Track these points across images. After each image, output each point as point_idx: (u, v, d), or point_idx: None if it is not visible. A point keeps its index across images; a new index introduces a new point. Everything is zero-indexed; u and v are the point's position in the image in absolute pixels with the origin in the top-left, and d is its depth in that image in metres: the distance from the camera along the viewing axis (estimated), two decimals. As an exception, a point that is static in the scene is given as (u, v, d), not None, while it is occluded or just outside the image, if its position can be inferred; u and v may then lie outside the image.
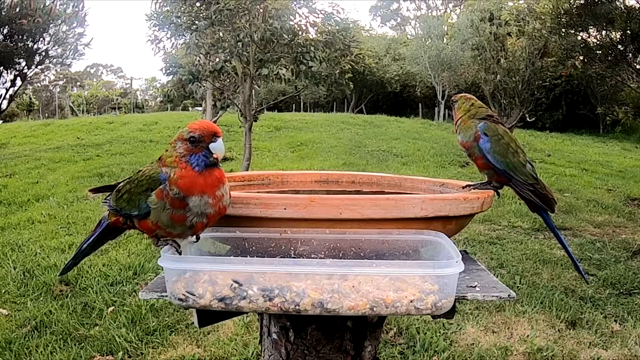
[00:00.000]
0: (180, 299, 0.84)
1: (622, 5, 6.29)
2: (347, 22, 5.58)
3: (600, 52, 6.98)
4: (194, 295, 0.83)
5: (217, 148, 0.85)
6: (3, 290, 2.94)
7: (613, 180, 7.45)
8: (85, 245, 1.02)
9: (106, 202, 0.98)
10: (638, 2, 6.27)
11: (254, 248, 0.98)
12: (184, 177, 0.84)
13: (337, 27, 5.47)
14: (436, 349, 2.33)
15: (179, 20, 5.48)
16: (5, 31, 7.86)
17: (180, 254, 0.91)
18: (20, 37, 8.06)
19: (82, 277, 3.11)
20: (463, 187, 1.22)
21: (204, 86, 6.99)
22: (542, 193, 1.16)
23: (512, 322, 2.62)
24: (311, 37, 5.56)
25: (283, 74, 5.89)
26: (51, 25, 8.35)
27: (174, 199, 0.84)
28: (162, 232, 0.90)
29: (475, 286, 0.96)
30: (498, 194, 1.19)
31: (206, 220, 0.87)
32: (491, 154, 1.14)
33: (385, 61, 23.54)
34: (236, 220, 0.97)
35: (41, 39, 8.40)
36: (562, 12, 7.02)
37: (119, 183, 0.97)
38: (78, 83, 38.10)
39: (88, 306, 2.74)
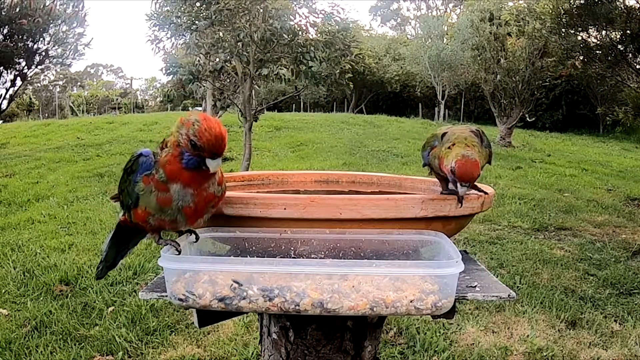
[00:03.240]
0: (180, 299, 0.84)
1: (622, 5, 6.29)
2: (347, 22, 5.58)
3: (600, 52, 6.99)
4: (194, 295, 0.83)
5: (212, 165, 0.82)
6: (3, 290, 2.94)
7: (613, 180, 7.46)
8: (105, 247, 1.02)
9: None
10: (638, 2, 6.27)
11: (254, 248, 0.98)
12: (172, 165, 0.84)
13: (337, 27, 5.47)
14: (436, 349, 2.33)
15: (179, 20, 5.48)
16: (5, 31, 7.86)
17: (180, 253, 0.91)
18: (20, 37, 8.06)
19: (82, 277, 3.11)
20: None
21: (204, 86, 6.99)
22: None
23: (512, 322, 2.62)
24: (311, 37, 5.57)
25: (283, 74, 5.89)
26: (51, 25, 8.35)
27: (159, 181, 0.84)
28: (154, 221, 0.88)
29: (475, 286, 0.96)
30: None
31: (193, 205, 0.86)
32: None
33: (385, 61, 23.53)
34: (236, 220, 0.97)
35: (41, 39, 8.40)
36: (562, 12, 7.03)
37: None
38: (78, 83, 38.10)
39: (88, 306, 2.74)
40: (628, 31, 6.18)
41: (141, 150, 0.88)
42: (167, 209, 0.86)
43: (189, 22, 5.35)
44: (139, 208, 0.88)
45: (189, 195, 0.85)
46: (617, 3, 6.34)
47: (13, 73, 8.48)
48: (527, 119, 10.91)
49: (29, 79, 9.23)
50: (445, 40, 21.26)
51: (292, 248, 0.96)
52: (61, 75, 33.88)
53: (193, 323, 2.17)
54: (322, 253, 0.95)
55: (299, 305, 0.80)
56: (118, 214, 1.00)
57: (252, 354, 2.26)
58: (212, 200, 0.89)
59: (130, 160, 0.89)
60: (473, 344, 2.40)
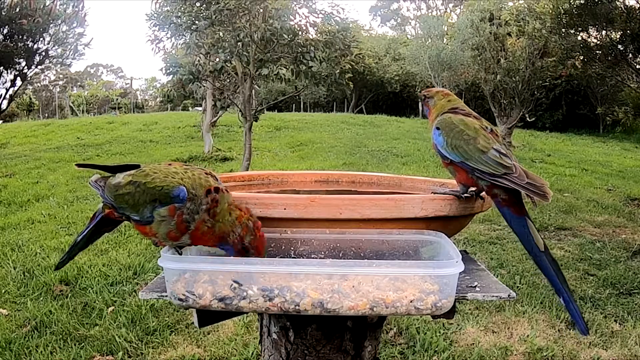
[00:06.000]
0: (180, 299, 0.84)
1: (622, 5, 6.30)
2: (347, 22, 5.58)
3: (600, 52, 6.99)
4: (194, 295, 0.83)
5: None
6: (3, 290, 2.94)
7: (613, 180, 7.45)
8: (80, 239, 1.00)
9: (97, 188, 0.94)
10: (638, 2, 6.27)
11: (254, 248, 0.98)
12: (206, 241, 0.87)
13: (337, 27, 5.47)
14: (436, 349, 2.33)
15: (179, 20, 5.49)
16: (5, 31, 7.86)
17: (180, 254, 0.91)
18: (20, 37, 8.07)
19: (82, 277, 3.11)
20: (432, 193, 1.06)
21: (204, 86, 7.00)
22: (521, 184, 0.91)
23: (512, 322, 2.62)
24: (311, 37, 5.57)
25: (283, 74, 5.89)
26: (51, 25, 8.36)
27: (182, 223, 0.85)
28: (156, 240, 0.90)
29: (475, 286, 0.96)
30: (460, 197, 1.00)
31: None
32: (444, 146, 0.99)
33: (385, 61, 23.51)
34: (236, 220, 0.97)
35: (41, 39, 8.41)
36: (562, 12, 7.03)
37: (114, 168, 0.94)
38: (78, 83, 38.08)
39: (88, 306, 2.74)
40: (628, 31, 6.18)
41: (179, 191, 0.84)
42: (171, 241, 0.88)
43: (189, 22, 5.35)
44: (147, 227, 0.87)
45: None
46: (617, 3, 6.34)
47: (13, 73, 8.49)
48: (527, 119, 10.89)
49: (29, 79, 9.24)
50: (445, 40, 21.24)
51: (292, 248, 0.96)
52: (61, 75, 33.88)
53: (193, 323, 2.17)
54: (322, 253, 0.95)
55: (299, 305, 0.80)
56: (100, 205, 0.97)
57: (252, 354, 2.26)
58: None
59: (164, 192, 0.85)
60: (473, 344, 2.40)
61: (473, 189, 1.01)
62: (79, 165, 1.01)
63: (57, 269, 1.02)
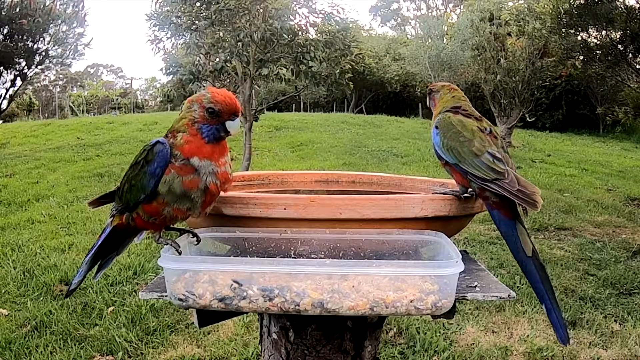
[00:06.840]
0: (180, 299, 0.84)
1: (622, 5, 6.30)
2: (347, 22, 5.59)
3: (600, 52, 6.99)
4: (194, 295, 0.83)
5: (233, 127, 0.86)
6: (3, 290, 2.94)
7: (613, 180, 7.45)
8: (87, 258, 0.97)
9: (113, 210, 0.95)
10: (638, 2, 6.27)
11: (254, 248, 0.98)
12: (191, 143, 0.84)
13: (337, 27, 5.48)
14: (436, 349, 2.33)
15: (179, 20, 5.49)
16: (5, 31, 7.86)
17: (180, 254, 0.90)
18: (20, 37, 8.06)
19: (82, 277, 3.11)
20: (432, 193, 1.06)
21: (204, 86, 6.99)
22: (511, 191, 0.90)
23: (512, 322, 2.62)
24: (311, 37, 5.57)
25: (283, 74, 5.90)
26: (51, 25, 8.36)
27: (181, 167, 0.83)
28: (171, 211, 0.87)
29: (475, 286, 0.96)
30: (460, 197, 0.99)
31: (218, 182, 0.86)
32: (440, 146, 1.00)
33: (385, 61, 23.51)
34: (236, 220, 0.97)
35: (41, 39, 8.41)
36: (562, 12, 7.03)
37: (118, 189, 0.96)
38: (78, 83, 38.08)
39: (88, 306, 2.74)
40: (628, 31, 6.18)
41: (157, 138, 0.86)
42: (192, 193, 0.85)
43: (189, 22, 5.36)
44: (154, 201, 0.86)
45: (212, 167, 0.85)
46: (617, 3, 6.35)
47: (13, 73, 8.49)
48: (527, 119, 10.88)
49: (29, 79, 9.23)
50: (445, 40, 21.26)
51: (292, 248, 0.96)
52: (61, 75, 33.89)
53: (193, 323, 2.17)
54: (322, 253, 0.95)
55: (299, 305, 0.80)
56: (108, 220, 0.96)
57: (252, 354, 2.26)
58: (228, 180, 0.89)
59: (145, 150, 0.86)
60: (473, 344, 2.40)
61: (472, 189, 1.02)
62: (92, 204, 1.01)
63: (67, 297, 0.99)
